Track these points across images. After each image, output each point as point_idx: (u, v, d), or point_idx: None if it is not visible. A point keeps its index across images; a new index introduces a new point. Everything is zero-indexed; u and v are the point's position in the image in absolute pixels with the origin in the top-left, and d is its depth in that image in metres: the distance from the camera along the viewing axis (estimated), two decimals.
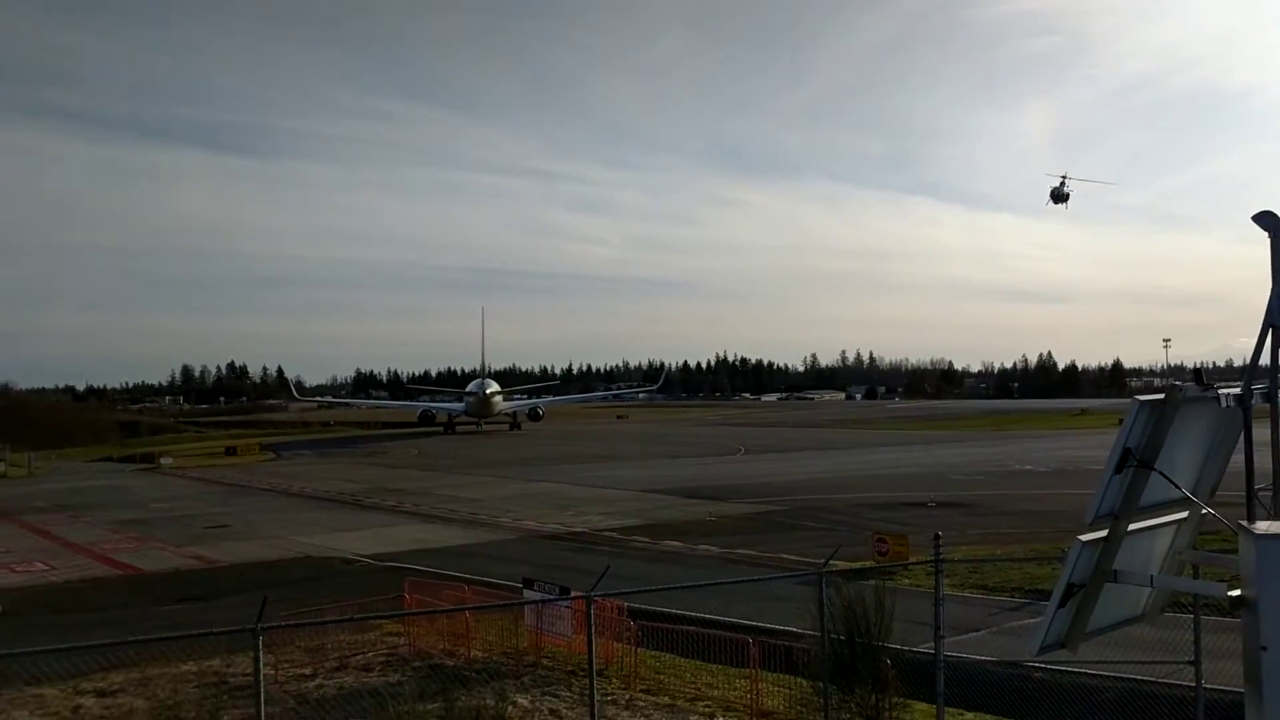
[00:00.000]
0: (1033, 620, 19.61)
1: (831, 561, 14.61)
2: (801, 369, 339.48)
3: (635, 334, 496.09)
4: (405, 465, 71.30)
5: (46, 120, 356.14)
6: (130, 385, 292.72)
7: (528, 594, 18.31)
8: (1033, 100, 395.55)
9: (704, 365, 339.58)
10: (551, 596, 17.52)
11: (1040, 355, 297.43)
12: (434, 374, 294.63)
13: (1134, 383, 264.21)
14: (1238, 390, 6.76)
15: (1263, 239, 7.17)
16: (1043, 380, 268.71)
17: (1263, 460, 6.72)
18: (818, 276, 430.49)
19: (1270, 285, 6.78)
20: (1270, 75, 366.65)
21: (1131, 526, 6.65)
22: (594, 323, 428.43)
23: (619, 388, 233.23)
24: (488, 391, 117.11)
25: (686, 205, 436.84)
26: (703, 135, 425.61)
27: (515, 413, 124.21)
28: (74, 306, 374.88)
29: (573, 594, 16.27)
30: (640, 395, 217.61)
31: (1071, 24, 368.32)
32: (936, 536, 14.03)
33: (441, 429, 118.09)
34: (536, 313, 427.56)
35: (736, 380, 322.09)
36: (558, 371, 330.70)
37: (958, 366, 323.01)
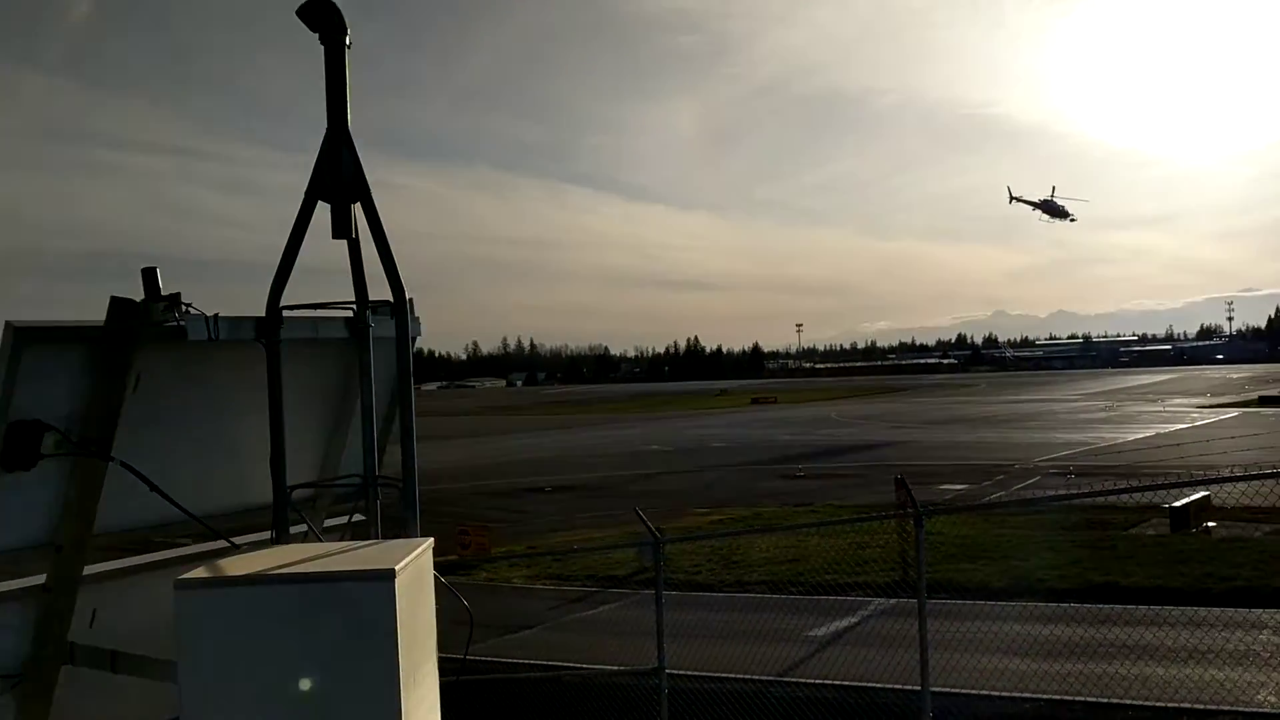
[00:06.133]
0: (594, 611, 18.42)
1: None
2: (464, 357, 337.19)
3: None
4: None
5: None
6: None
7: None
8: (681, 96, 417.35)
9: None
10: None
11: (689, 340, 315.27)
12: None
13: (771, 364, 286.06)
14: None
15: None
16: (692, 364, 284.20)
17: None
18: (480, 264, 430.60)
19: None
20: (885, 81, 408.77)
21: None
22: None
23: None
24: None
25: None
26: (357, 114, 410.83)
27: None
28: None
29: None
30: None
31: (714, 24, 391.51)
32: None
33: None
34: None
35: None
36: None
37: (614, 352, 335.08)
